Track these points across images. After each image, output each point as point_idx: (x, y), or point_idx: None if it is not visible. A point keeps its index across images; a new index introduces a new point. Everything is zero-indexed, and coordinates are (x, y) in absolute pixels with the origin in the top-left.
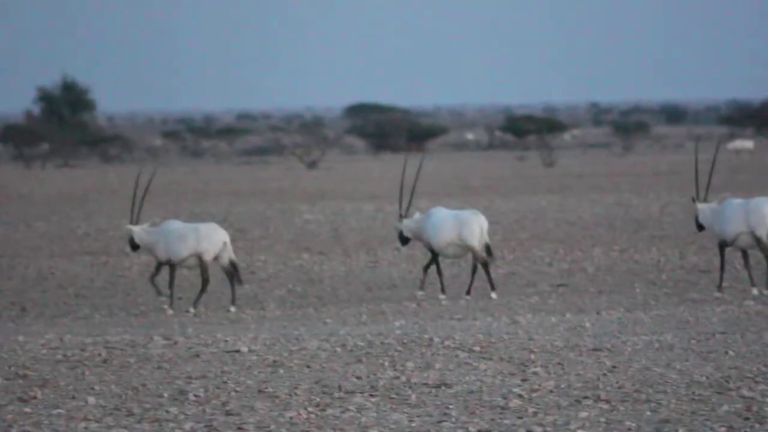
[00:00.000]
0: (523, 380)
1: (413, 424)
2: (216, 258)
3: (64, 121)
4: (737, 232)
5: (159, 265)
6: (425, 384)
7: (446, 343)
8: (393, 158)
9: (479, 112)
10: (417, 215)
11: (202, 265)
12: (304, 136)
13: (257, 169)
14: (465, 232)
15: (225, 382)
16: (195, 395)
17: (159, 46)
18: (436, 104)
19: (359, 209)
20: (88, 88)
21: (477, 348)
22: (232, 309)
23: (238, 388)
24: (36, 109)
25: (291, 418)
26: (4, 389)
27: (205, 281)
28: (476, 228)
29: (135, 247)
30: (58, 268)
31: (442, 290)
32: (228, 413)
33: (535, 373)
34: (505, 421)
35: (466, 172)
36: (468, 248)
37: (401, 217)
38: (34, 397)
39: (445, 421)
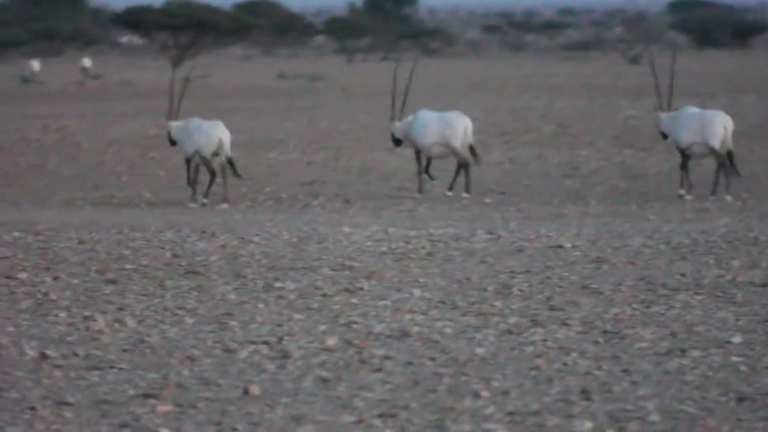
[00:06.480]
0: None
1: (739, 323)
2: (215, 154)
3: (386, 14)
4: (691, 141)
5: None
6: (751, 283)
7: None
8: (716, 54)
9: None
10: (409, 118)
11: (203, 161)
12: (626, 31)
13: (578, 64)
14: (448, 132)
15: (549, 278)
16: (519, 290)
17: None
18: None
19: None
20: None
21: None
22: (225, 206)
23: (561, 284)
24: (359, 2)
25: (615, 314)
26: (331, 279)
27: (212, 173)
28: (460, 129)
29: (173, 142)
30: (379, 161)
31: (420, 191)
32: (552, 308)
33: None
34: None
35: None
36: (451, 148)
37: (392, 119)
38: (361, 288)
39: None
